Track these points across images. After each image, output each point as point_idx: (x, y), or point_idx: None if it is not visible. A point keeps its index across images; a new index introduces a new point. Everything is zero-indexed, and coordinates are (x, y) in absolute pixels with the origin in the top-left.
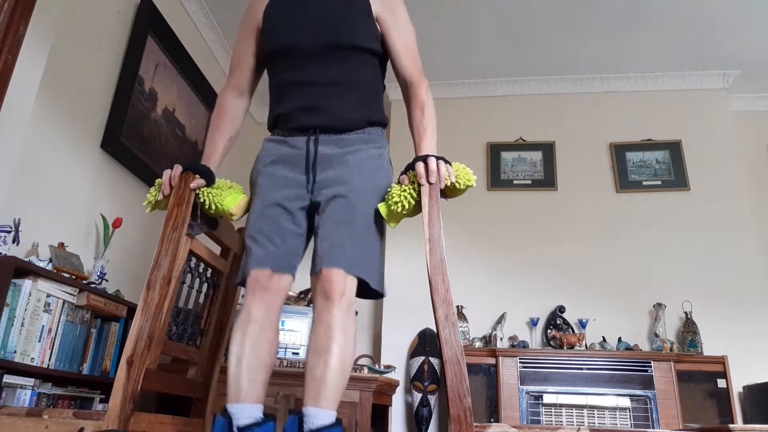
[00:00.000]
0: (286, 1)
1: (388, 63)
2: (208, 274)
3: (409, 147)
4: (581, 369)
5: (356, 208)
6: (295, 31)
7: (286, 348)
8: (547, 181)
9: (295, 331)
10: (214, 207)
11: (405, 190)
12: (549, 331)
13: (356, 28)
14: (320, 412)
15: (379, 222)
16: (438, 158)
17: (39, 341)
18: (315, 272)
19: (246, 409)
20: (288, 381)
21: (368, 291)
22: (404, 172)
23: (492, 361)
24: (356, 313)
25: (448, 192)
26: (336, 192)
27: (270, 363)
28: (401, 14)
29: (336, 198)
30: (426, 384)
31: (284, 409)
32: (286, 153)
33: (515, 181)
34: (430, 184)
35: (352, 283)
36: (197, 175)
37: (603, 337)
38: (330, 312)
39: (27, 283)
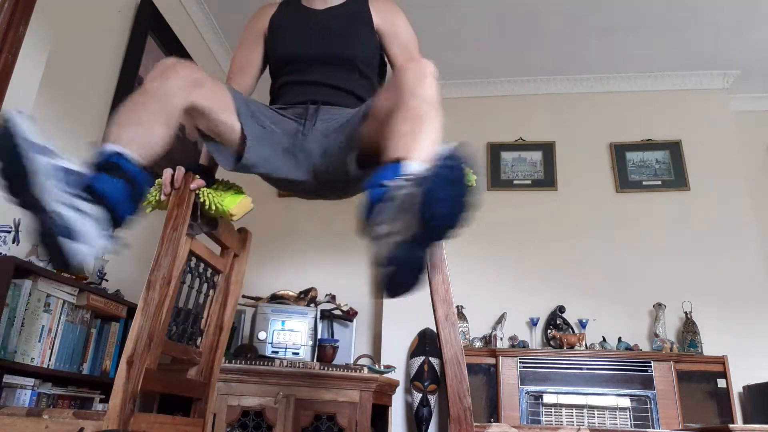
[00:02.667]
0: (292, 12)
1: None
2: (208, 274)
3: None
4: (581, 369)
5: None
6: (300, 41)
7: (286, 348)
8: (547, 181)
9: (295, 331)
10: (214, 207)
11: None
12: (549, 331)
13: (359, 43)
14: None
15: None
16: None
17: (39, 341)
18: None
19: (111, 146)
20: (288, 381)
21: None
22: None
23: (492, 361)
24: (356, 313)
25: None
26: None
27: (158, 131)
28: (401, 25)
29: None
30: (426, 384)
31: (284, 409)
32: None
33: (515, 181)
34: None
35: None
36: (197, 176)
37: (603, 337)
38: (425, 87)
39: (27, 283)
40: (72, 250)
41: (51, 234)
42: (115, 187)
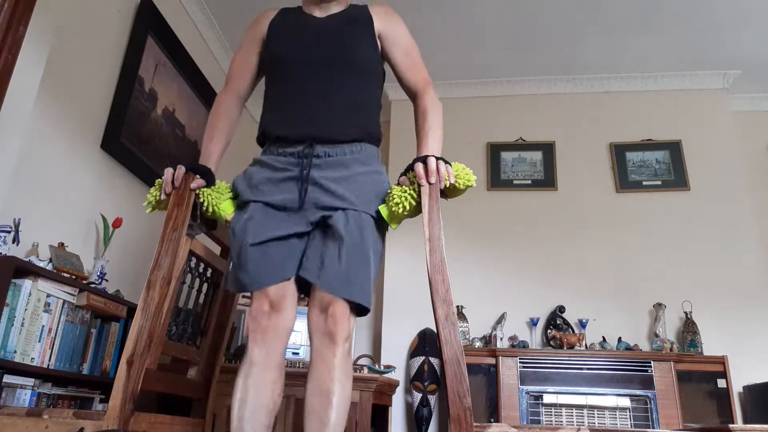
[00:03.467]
0: (292, 19)
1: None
2: (208, 274)
3: (409, 147)
4: (581, 369)
5: (361, 226)
6: (299, 45)
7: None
8: (547, 181)
9: (295, 331)
10: (212, 209)
11: (405, 191)
12: (549, 331)
13: (359, 46)
14: None
15: (380, 236)
16: (437, 158)
17: (39, 341)
18: (313, 284)
19: None
20: (288, 381)
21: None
22: (404, 173)
23: (492, 361)
24: None
25: (448, 192)
26: (336, 207)
27: (272, 405)
28: (402, 32)
29: (337, 215)
30: (426, 384)
31: (284, 410)
32: (277, 177)
33: (515, 181)
34: (429, 184)
35: (352, 320)
36: (197, 176)
37: (603, 337)
38: (334, 354)
39: (27, 283)
40: None
41: None
42: None
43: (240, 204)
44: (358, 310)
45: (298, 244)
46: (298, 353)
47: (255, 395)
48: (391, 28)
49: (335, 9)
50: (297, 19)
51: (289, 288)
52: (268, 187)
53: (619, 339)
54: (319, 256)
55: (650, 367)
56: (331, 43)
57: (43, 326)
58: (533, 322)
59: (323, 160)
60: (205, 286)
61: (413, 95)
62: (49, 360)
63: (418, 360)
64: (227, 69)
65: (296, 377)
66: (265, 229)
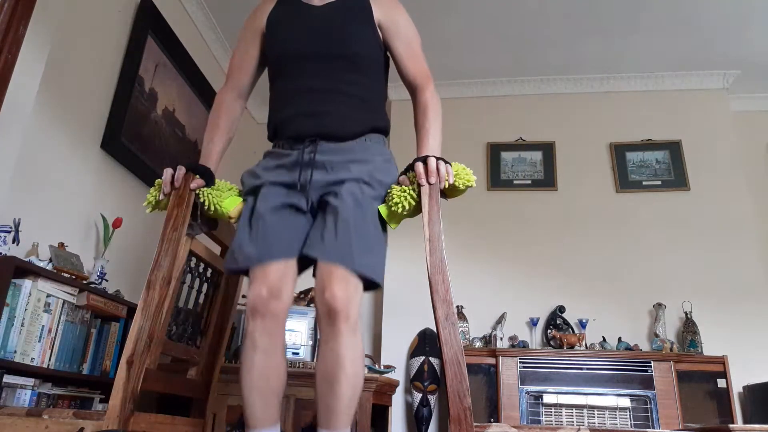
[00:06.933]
0: (290, 9)
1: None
2: (208, 274)
3: (409, 147)
4: (581, 369)
5: (361, 200)
6: (299, 39)
7: (286, 348)
8: (547, 181)
9: (295, 331)
10: (213, 208)
11: (405, 191)
12: (549, 331)
13: (360, 37)
14: None
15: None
16: (437, 158)
17: (39, 341)
18: (316, 258)
19: None
20: (288, 381)
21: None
22: (404, 173)
23: (492, 361)
24: None
25: (448, 192)
26: (338, 181)
27: (280, 387)
28: (403, 21)
29: (338, 189)
30: (426, 384)
31: (284, 410)
32: (286, 162)
33: (515, 181)
34: (429, 184)
35: (356, 294)
36: (197, 176)
37: (603, 337)
38: (336, 335)
39: (27, 283)
40: None
41: None
42: None
43: (249, 191)
44: (365, 285)
45: (304, 223)
46: (298, 353)
47: (263, 382)
48: (391, 17)
49: None
50: (295, 10)
51: (290, 272)
52: (277, 171)
53: (619, 339)
54: (320, 232)
55: (650, 367)
56: (332, 37)
57: (43, 326)
58: (533, 322)
59: (327, 146)
60: (205, 286)
61: (413, 89)
62: (49, 360)
63: (418, 360)
64: (227, 68)
65: (296, 377)
66: (278, 197)
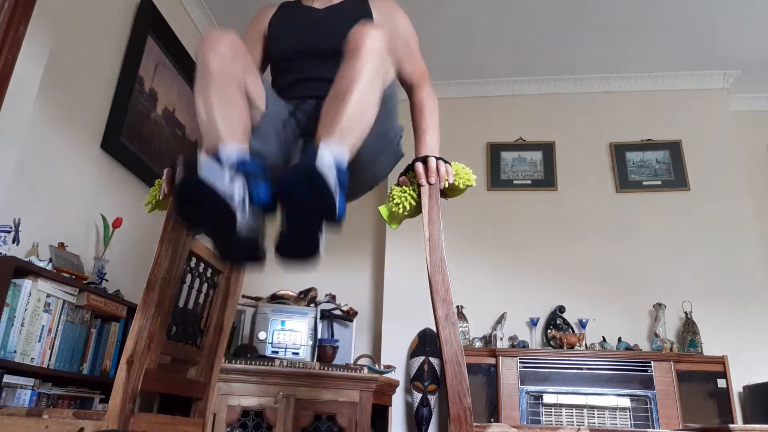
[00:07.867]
0: (291, 12)
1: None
2: (208, 274)
3: (409, 147)
4: (581, 369)
5: None
6: (300, 38)
7: (286, 348)
8: (547, 181)
9: (295, 331)
10: None
11: (405, 192)
12: (549, 331)
13: None
14: (328, 146)
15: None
16: (437, 158)
17: (39, 341)
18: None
19: (230, 146)
20: (288, 381)
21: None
22: (404, 174)
23: (492, 361)
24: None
25: (448, 192)
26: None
27: (245, 107)
28: (402, 22)
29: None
30: (426, 384)
31: (284, 410)
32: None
33: (515, 181)
34: (429, 184)
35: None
36: None
37: (603, 337)
38: (358, 64)
39: (27, 283)
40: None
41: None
42: (265, 188)
43: None
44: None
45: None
46: (298, 353)
47: (224, 98)
48: (389, 18)
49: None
50: (297, 13)
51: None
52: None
53: (619, 339)
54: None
55: (650, 367)
56: (332, 38)
57: (43, 326)
58: (533, 322)
59: None
60: (205, 286)
61: (409, 87)
62: (49, 360)
63: (418, 360)
64: None
65: (296, 377)
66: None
